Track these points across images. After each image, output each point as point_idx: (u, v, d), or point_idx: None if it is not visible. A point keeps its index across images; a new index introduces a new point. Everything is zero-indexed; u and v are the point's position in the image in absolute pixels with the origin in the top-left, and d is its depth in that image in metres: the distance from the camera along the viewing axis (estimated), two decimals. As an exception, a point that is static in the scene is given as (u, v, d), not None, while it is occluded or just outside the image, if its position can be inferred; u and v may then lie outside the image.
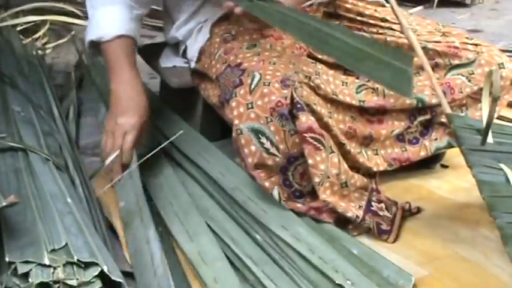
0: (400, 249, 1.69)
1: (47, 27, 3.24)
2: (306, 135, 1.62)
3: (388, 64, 1.50)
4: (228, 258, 1.57)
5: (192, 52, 2.02)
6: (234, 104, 1.67)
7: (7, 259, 1.33)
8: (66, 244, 1.38)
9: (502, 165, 1.60)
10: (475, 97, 1.93)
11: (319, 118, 1.68)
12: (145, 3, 1.91)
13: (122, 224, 1.70)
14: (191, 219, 1.69)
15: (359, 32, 2.00)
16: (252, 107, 1.65)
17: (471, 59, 1.93)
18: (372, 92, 1.87)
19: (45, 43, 3.15)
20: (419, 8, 4.11)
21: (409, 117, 1.93)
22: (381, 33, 2.00)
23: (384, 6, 2.09)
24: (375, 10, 2.06)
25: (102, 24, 1.84)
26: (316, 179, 1.65)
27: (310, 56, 1.88)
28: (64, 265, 1.33)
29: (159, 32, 3.20)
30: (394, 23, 1.99)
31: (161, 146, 1.78)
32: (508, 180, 1.57)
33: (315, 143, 1.63)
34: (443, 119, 1.91)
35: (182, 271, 1.56)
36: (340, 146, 1.76)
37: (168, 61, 2.17)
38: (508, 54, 2.22)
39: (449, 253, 1.68)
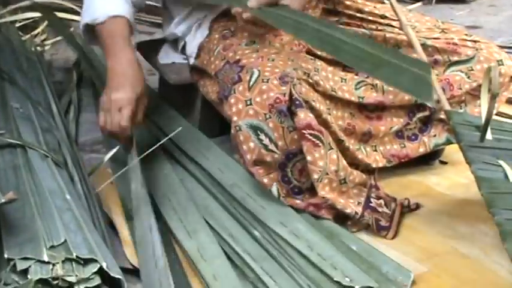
0: (399, 245, 1.69)
1: (45, 23, 3.24)
2: (304, 131, 1.62)
3: (406, 70, 1.50)
4: (226, 254, 1.57)
5: (191, 48, 2.02)
6: (232, 100, 1.67)
7: (6, 256, 1.33)
8: (65, 241, 1.38)
9: (501, 162, 1.60)
10: (474, 93, 1.93)
11: (317, 115, 1.68)
12: None
13: (122, 218, 1.71)
14: (190, 216, 1.69)
15: (358, 28, 2.00)
16: (250, 104, 1.65)
17: (470, 55, 1.93)
18: (371, 88, 1.87)
19: (44, 39, 3.15)
20: (418, 4, 4.11)
21: (408, 114, 1.93)
22: (380, 30, 2.00)
23: (383, 2, 2.09)
24: (374, 7, 2.06)
25: (96, 6, 1.83)
26: (315, 176, 1.65)
27: (309, 52, 1.88)
28: (63, 262, 1.34)
29: (157, 29, 3.20)
30: (393, 20, 1.99)
31: (160, 143, 1.78)
32: (506, 176, 1.57)
33: (314, 139, 1.63)
34: (442, 116, 1.91)
35: (181, 268, 1.56)
36: (339, 142, 1.76)
37: (167, 57, 2.17)
38: (506, 50, 2.21)
39: (448, 249, 1.68)
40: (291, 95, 1.63)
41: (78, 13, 3.40)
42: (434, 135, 1.97)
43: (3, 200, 1.37)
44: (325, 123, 1.70)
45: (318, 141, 1.64)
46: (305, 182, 1.71)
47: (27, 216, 1.46)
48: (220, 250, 1.58)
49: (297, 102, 1.63)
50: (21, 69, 2.35)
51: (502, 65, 1.91)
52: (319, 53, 1.88)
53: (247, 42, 1.83)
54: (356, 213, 1.71)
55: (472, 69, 1.92)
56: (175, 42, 2.13)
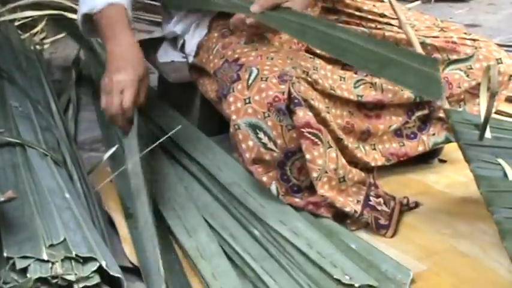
0: (398, 243, 1.69)
1: (44, 22, 3.24)
2: (303, 130, 1.62)
3: (414, 69, 1.49)
4: (226, 253, 1.57)
5: (190, 47, 2.02)
6: (231, 99, 1.67)
7: (5, 254, 1.33)
8: (65, 239, 1.38)
9: (500, 160, 1.60)
10: (473, 92, 1.93)
11: (316, 113, 1.68)
12: None
13: (121, 217, 1.71)
14: (189, 215, 1.69)
15: (357, 27, 2.00)
16: (249, 102, 1.65)
17: (469, 54, 1.93)
18: (370, 87, 1.87)
19: (43, 38, 3.15)
20: (418, 2, 4.10)
21: (407, 112, 1.93)
22: (379, 29, 2.00)
23: (382, 1, 2.09)
24: (374, 5, 2.06)
25: None
26: (314, 174, 1.65)
27: (308, 51, 1.88)
28: (62, 260, 1.34)
29: (157, 27, 3.20)
30: (393, 18, 1.99)
31: (160, 141, 1.77)
32: (505, 175, 1.57)
33: (313, 138, 1.63)
34: (441, 114, 1.91)
35: (181, 267, 1.56)
36: (338, 141, 1.76)
37: (166, 56, 2.16)
38: (505, 48, 2.22)
39: (447, 247, 1.68)
40: (289, 93, 1.63)
41: (77, 12, 3.41)
42: (434, 134, 1.97)
43: (2, 199, 1.37)
44: (324, 122, 1.70)
45: (316, 140, 1.64)
46: (304, 181, 1.71)
47: (26, 214, 1.46)
48: (220, 249, 1.58)
49: (296, 101, 1.63)
50: (20, 68, 2.35)
51: (501, 63, 1.92)
52: (318, 51, 1.88)
53: (246, 41, 1.83)
54: (355, 211, 1.71)
55: (471, 68, 1.92)
56: (175, 41, 2.13)
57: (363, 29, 2.00)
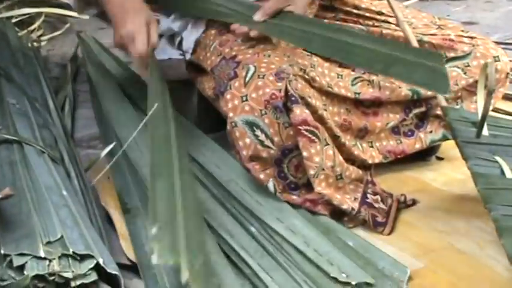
0: (396, 241, 1.69)
1: (42, 19, 3.23)
2: (300, 127, 1.62)
3: (420, 65, 1.49)
4: (223, 250, 1.57)
5: (188, 44, 2.02)
6: (228, 96, 1.67)
7: (2, 251, 1.33)
8: (62, 236, 1.38)
9: (497, 158, 1.60)
10: (471, 89, 1.93)
11: (313, 111, 1.68)
12: None
13: (119, 213, 1.71)
14: (186, 212, 1.68)
15: (355, 24, 2.00)
16: (246, 100, 1.65)
17: (467, 51, 1.93)
18: (368, 84, 1.87)
19: (41, 35, 3.14)
20: (415, 0, 4.10)
21: (404, 110, 1.93)
22: (376, 26, 2.00)
23: (379, -1, 2.10)
24: (371, 3, 2.06)
25: None
26: (311, 172, 1.66)
27: (305, 48, 1.88)
28: (59, 257, 1.33)
29: (154, 25, 3.19)
30: (390, 16, 1.99)
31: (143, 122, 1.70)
32: (503, 172, 1.57)
33: (310, 135, 1.63)
34: (439, 112, 1.91)
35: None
36: (335, 138, 1.76)
37: (164, 53, 2.17)
38: (503, 46, 2.22)
39: (444, 245, 1.68)
40: (286, 91, 1.63)
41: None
42: (431, 131, 1.97)
43: (-1, 196, 1.37)
44: (321, 119, 1.70)
45: (313, 137, 1.64)
46: (301, 178, 1.71)
47: (23, 212, 1.46)
48: (217, 246, 1.58)
49: (293, 98, 1.63)
50: (17, 65, 2.35)
51: (499, 61, 1.92)
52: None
53: (244, 38, 1.83)
54: (352, 209, 1.71)
55: (469, 65, 1.92)
56: (172, 38, 2.13)
57: (360, 26, 2.00)
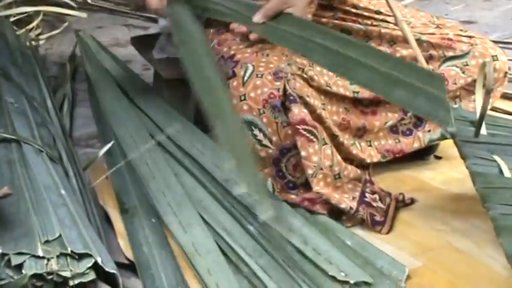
0: (394, 240, 1.69)
1: (40, 18, 3.23)
2: (298, 127, 1.63)
3: (421, 92, 1.46)
4: (221, 249, 1.57)
5: (186, 43, 2.02)
6: (227, 95, 1.67)
7: (0, 250, 1.33)
8: (60, 235, 1.38)
9: (495, 157, 1.60)
10: (469, 89, 1.93)
11: (312, 110, 1.68)
12: None
13: (117, 212, 1.71)
14: (184, 211, 1.69)
15: (353, 24, 2.00)
16: (244, 99, 1.65)
17: (465, 50, 1.93)
18: (366, 84, 1.87)
19: (39, 34, 3.14)
20: (413, -1, 4.10)
21: (402, 109, 1.93)
22: (375, 25, 1.99)
23: (378, -2, 2.09)
24: (369, 2, 2.05)
25: None
26: (310, 171, 1.66)
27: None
28: (58, 256, 1.34)
29: (153, 23, 3.20)
30: (389, 15, 1.98)
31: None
32: (501, 171, 1.57)
33: (308, 134, 1.63)
34: (437, 111, 1.91)
35: (176, 262, 1.56)
36: (334, 137, 1.76)
37: (162, 52, 2.16)
38: (501, 45, 2.22)
39: (442, 244, 1.68)
40: (285, 90, 1.63)
41: (73, 8, 3.40)
42: (429, 131, 1.97)
43: (-3, 195, 1.37)
44: (319, 119, 1.70)
45: (312, 137, 1.64)
46: (299, 177, 1.71)
47: (22, 211, 1.46)
48: (215, 244, 1.58)
49: (291, 98, 1.63)
50: (15, 64, 2.34)
51: (497, 60, 1.91)
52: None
53: (242, 38, 1.83)
54: (351, 208, 1.71)
55: (467, 65, 1.92)
56: (171, 37, 2.12)
57: (359, 25, 1.99)
